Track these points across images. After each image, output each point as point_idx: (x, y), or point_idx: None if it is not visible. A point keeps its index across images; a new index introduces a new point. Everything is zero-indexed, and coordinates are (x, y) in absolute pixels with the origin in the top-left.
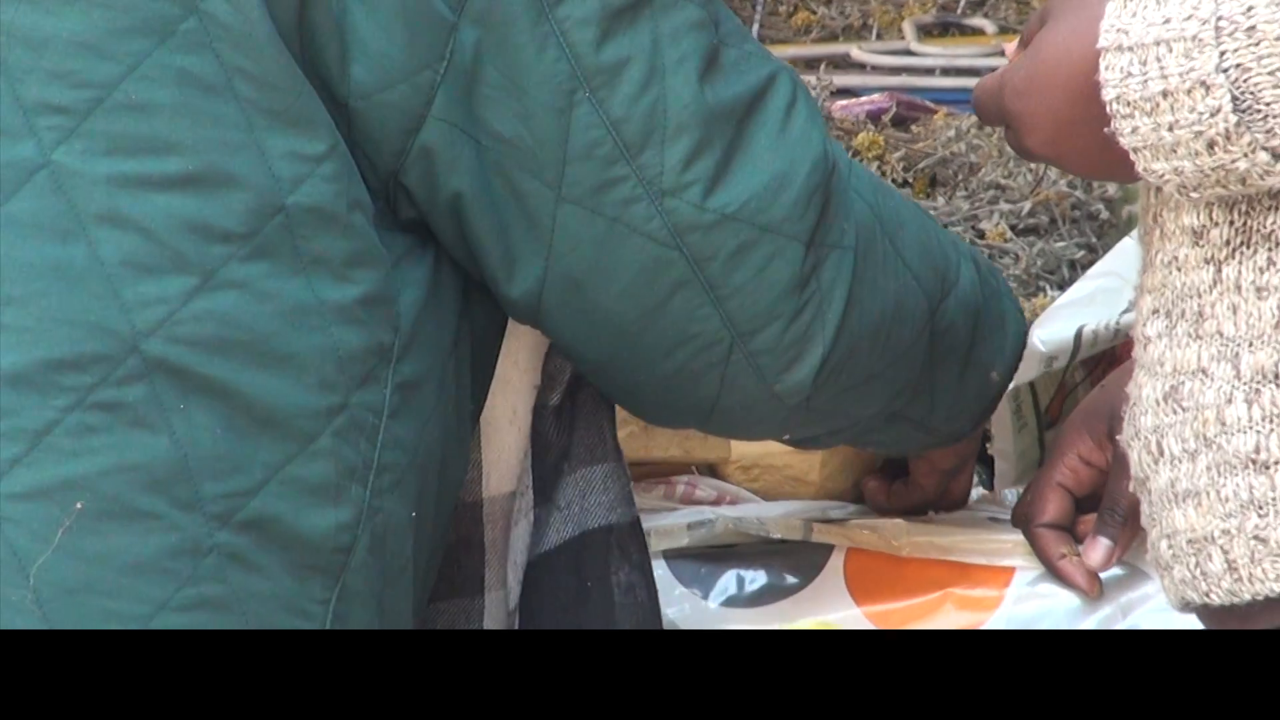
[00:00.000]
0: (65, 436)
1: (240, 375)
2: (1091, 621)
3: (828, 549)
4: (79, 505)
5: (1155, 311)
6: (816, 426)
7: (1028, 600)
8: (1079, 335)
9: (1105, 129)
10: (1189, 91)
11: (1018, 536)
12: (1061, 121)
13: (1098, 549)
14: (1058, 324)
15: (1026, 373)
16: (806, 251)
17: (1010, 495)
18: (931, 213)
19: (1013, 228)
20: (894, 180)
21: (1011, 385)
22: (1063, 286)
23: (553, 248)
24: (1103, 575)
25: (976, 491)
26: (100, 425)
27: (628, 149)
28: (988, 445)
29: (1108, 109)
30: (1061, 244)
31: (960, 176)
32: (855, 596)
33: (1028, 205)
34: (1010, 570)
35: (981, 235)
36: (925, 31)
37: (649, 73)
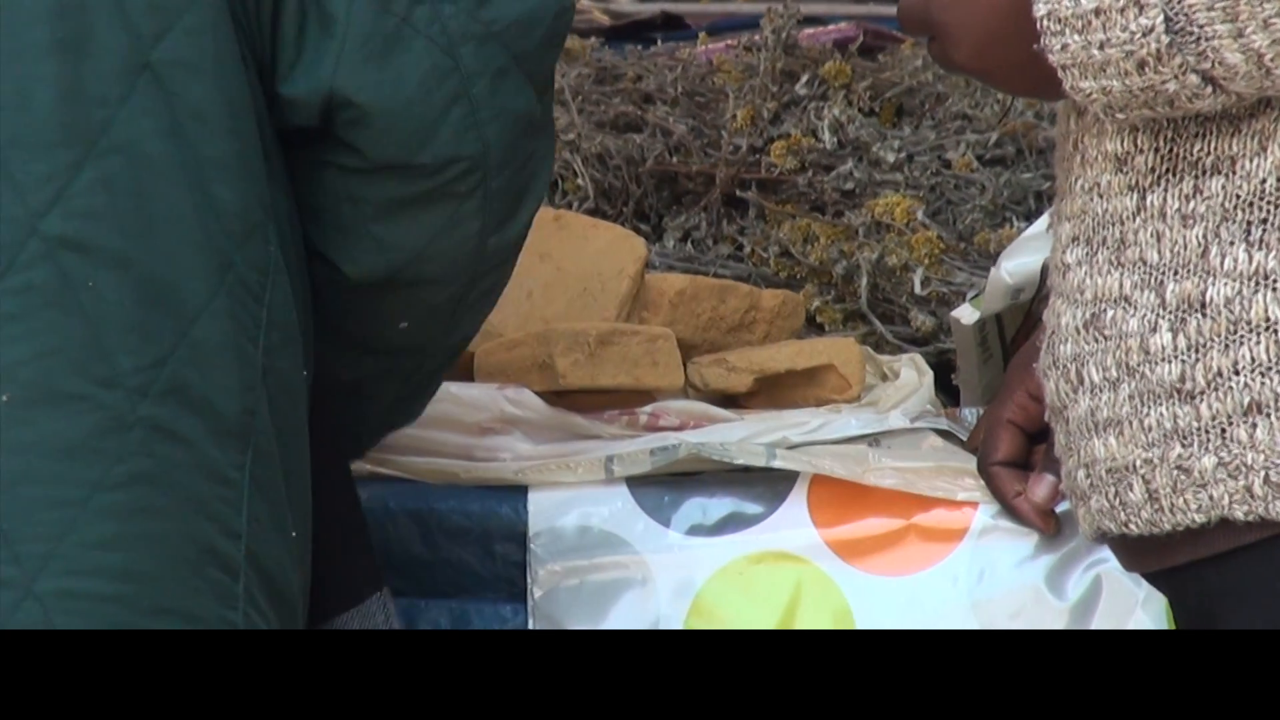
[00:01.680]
0: None
1: (135, 243)
2: (1056, 554)
3: (792, 475)
4: (5, 397)
5: (1075, 239)
6: (468, 324)
7: (991, 533)
8: (1045, 267)
9: (1034, 45)
10: (1122, 10)
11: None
12: (989, 35)
13: (1043, 485)
14: (1024, 256)
15: (993, 304)
16: (539, 99)
17: (969, 415)
18: (897, 142)
19: (979, 158)
20: (860, 110)
21: (978, 316)
22: (1029, 218)
23: (345, 45)
24: (1060, 510)
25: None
26: (15, 312)
27: None
28: (952, 376)
29: (1038, 25)
30: (1028, 175)
31: (927, 106)
32: (818, 524)
33: (994, 135)
34: (973, 508)
35: (948, 165)
36: None
37: None
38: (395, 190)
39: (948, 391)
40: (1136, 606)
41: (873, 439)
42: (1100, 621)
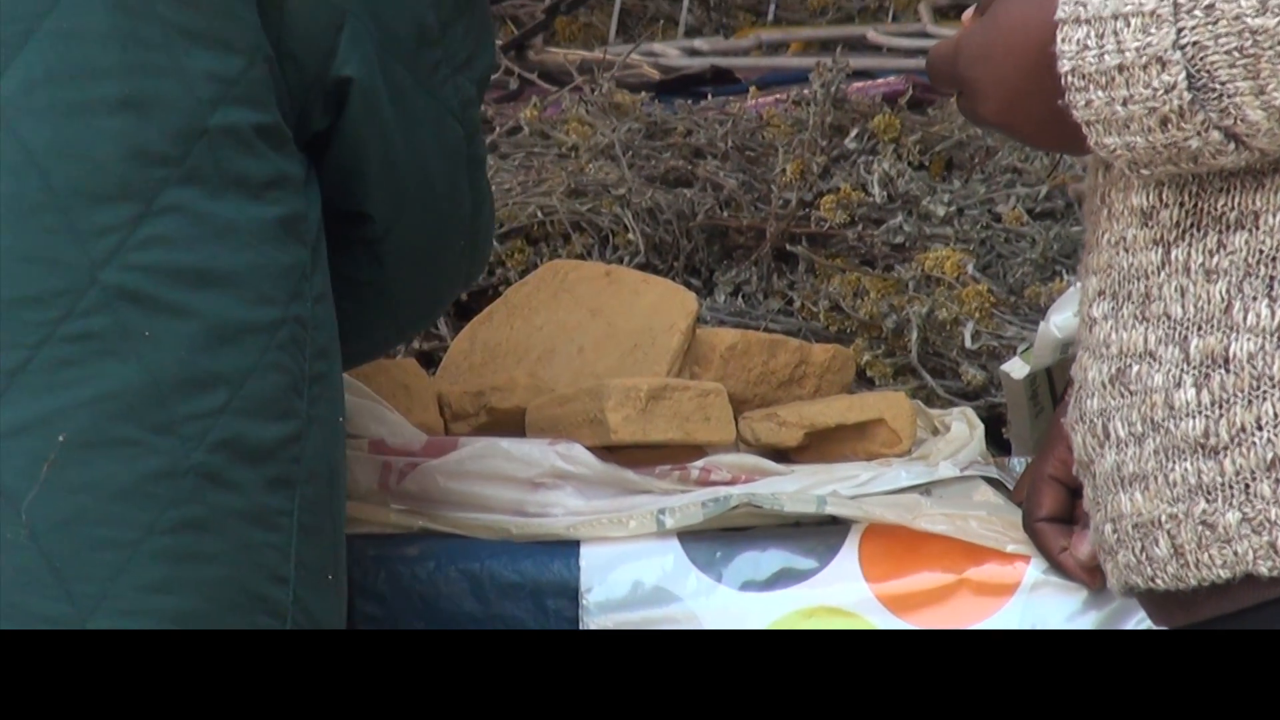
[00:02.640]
0: (39, 372)
1: (193, 296)
2: (1107, 609)
3: (844, 530)
4: (61, 438)
5: (1101, 293)
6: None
7: (1042, 587)
8: None
9: (1059, 101)
10: (1145, 67)
11: None
12: (1015, 91)
13: (1086, 543)
14: (1073, 310)
15: (1042, 358)
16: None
17: (1018, 464)
18: (947, 195)
19: (1029, 211)
20: (910, 163)
21: (1028, 371)
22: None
23: (415, 141)
24: None
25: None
26: (72, 358)
27: (438, 30)
28: (1003, 430)
29: (1062, 81)
30: (1078, 228)
31: (977, 160)
32: (869, 579)
33: (1044, 189)
34: (1025, 560)
35: (998, 219)
36: (941, 14)
37: None
38: (422, 278)
39: (999, 445)
40: None
41: (924, 489)
42: None
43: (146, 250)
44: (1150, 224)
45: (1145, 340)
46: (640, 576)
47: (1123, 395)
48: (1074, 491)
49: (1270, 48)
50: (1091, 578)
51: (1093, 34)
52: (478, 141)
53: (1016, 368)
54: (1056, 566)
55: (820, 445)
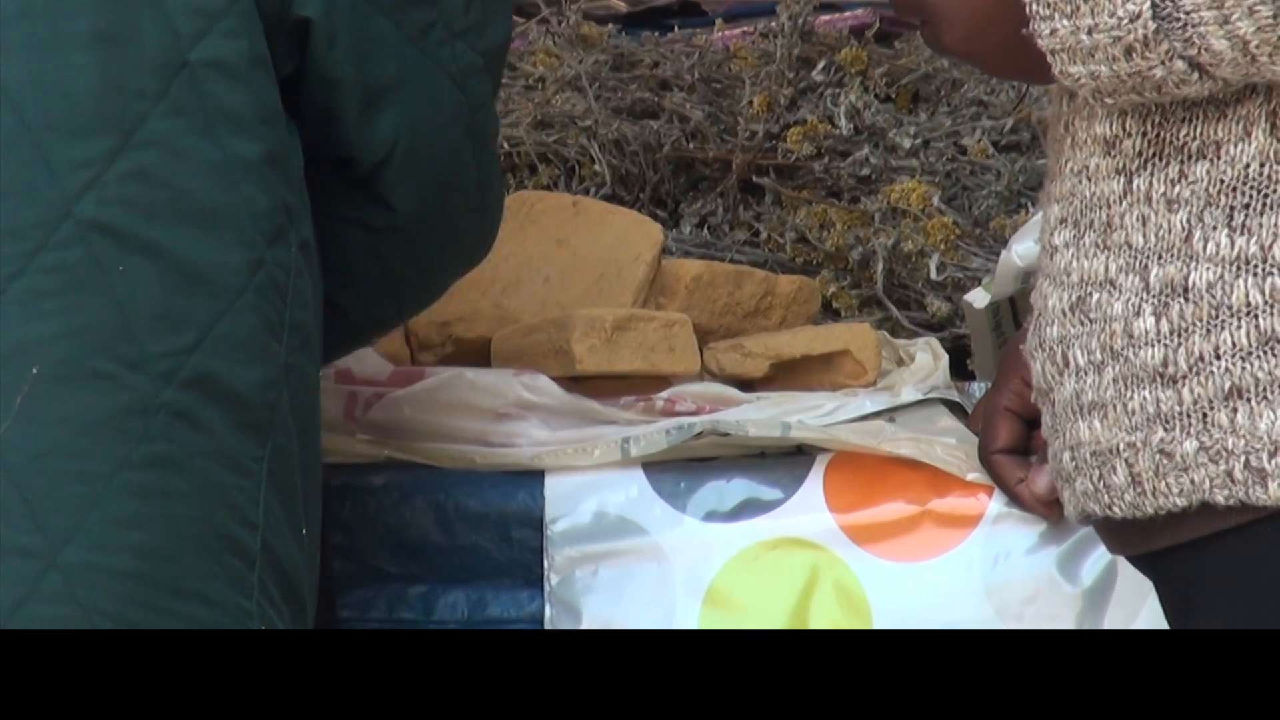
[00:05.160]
0: (13, 304)
1: (168, 233)
2: (1069, 541)
3: (809, 461)
4: (35, 370)
5: (1063, 221)
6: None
7: (1005, 519)
8: None
9: (1023, 29)
10: None
11: None
12: (979, 19)
13: (1042, 476)
14: (1035, 239)
15: (1005, 288)
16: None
17: (977, 389)
18: (913, 128)
19: (995, 144)
20: (876, 95)
21: (989, 300)
22: None
23: (404, 93)
24: None
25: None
26: (47, 289)
27: None
28: (968, 361)
29: (1027, 9)
30: (1043, 161)
31: (943, 92)
32: (834, 509)
33: (1010, 122)
34: (989, 491)
35: (964, 151)
36: None
37: None
38: (422, 243)
39: (963, 376)
40: (1150, 592)
41: (889, 415)
42: (1114, 607)
43: (124, 184)
44: (1113, 153)
45: (1106, 268)
46: (605, 507)
47: (1082, 323)
48: (1030, 424)
49: None
50: (1049, 511)
51: None
52: (485, 115)
53: (979, 298)
54: (1013, 499)
55: (785, 376)
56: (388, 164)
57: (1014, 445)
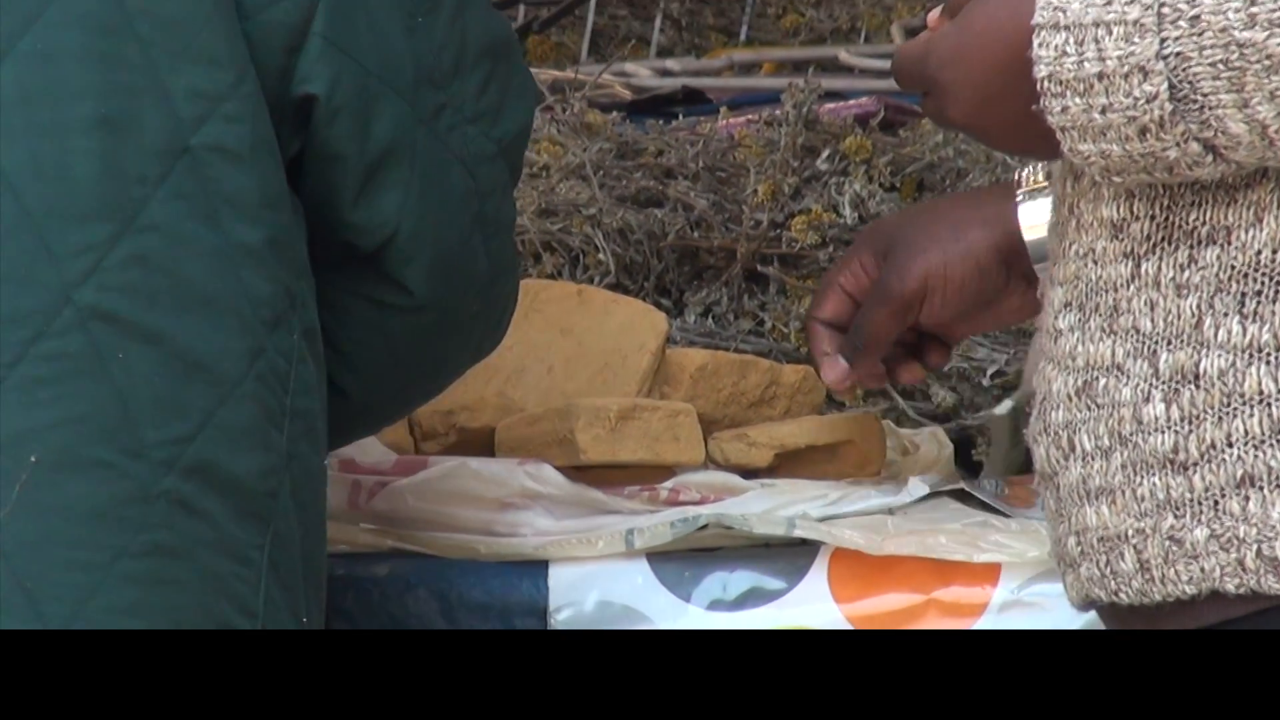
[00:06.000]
0: (13, 392)
1: (168, 320)
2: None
3: (813, 550)
4: (33, 459)
5: (1067, 304)
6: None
7: (1011, 608)
8: None
9: (1033, 106)
10: (1126, 76)
11: (1003, 537)
12: (987, 94)
13: (835, 367)
14: None
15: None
16: (514, 203)
17: (989, 485)
18: None
19: None
20: (881, 185)
21: (1012, 403)
22: None
23: (413, 173)
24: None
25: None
26: (45, 377)
27: (446, 75)
28: (974, 451)
29: (1038, 86)
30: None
31: (948, 182)
32: (838, 599)
33: None
34: (995, 569)
35: None
36: (913, 35)
37: (460, 0)
38: (431, 327)
39: (968, 466)
40: None
41: (891, 509)
42: None
43: (124, 270)
44: (1120, 236)
45: (1113, 353)
46: (609, 596)
47: (1089, 408)
48: (857, 304)
49: (1257, 61)
50: (838, 388)
51: (1072, 40)
52: (495, 203)
53: (1003, 408)
54: (815, 367)
55: (790, 466)
56: (392, 244)
57: (836, 319)
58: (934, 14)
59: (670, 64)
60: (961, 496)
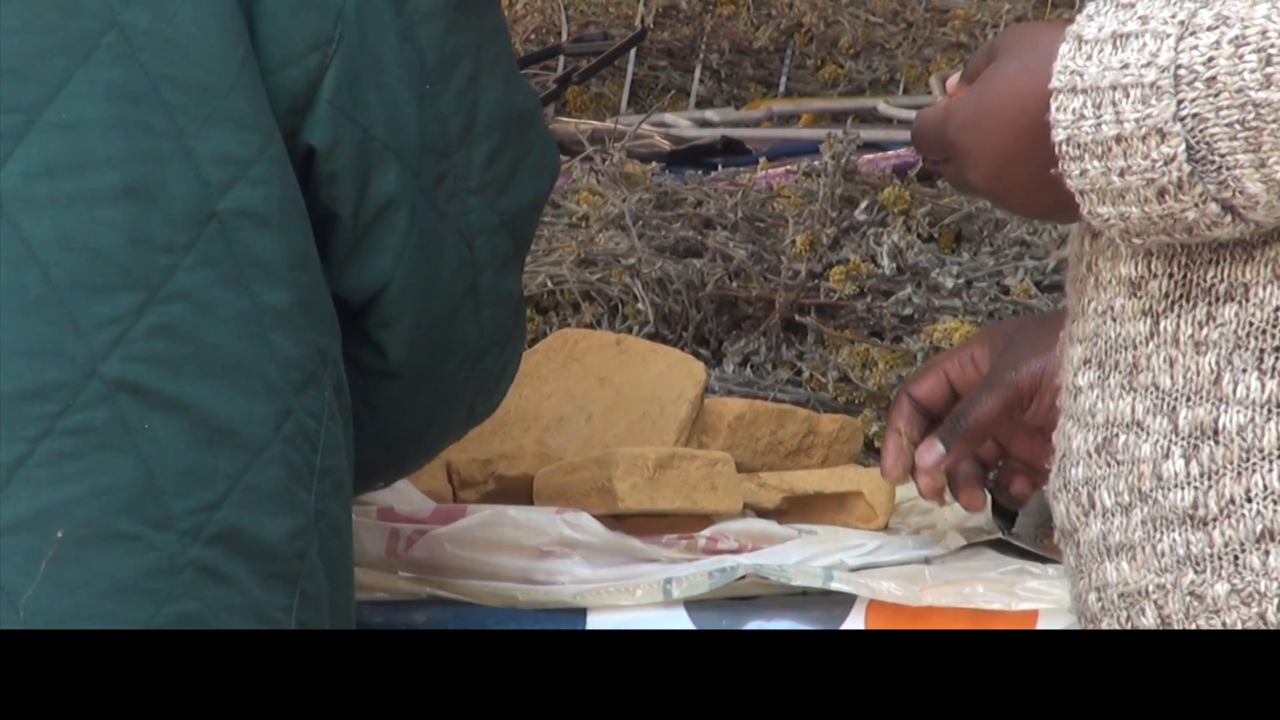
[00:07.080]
0: (39, 467)
1: (193, 388)
2: None
3: (849, 600)
4: (59, 534)
5: (1087, 361)
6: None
7: None
8: None
9: (1051, 169)
10: (1144, 138)
11: (1041, 584)
12: (1005, 158)
13: (930, 451)
14: None
15: None
16: (519, 275)
17: (1025, 528)
18: (956, 268)
19: (1038, 284)
20: (919, 235)
21: None
22: None
23: (407, 239)
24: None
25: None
26: (71, 451)
27: (452, 144)
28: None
29: (1057, 150)
30: None
31: (985, 232)
32: None
33: (1052, 262)
34: (1033, 616)
35: (1006, 291)
36: None
37: (474, 70)
38: (408, 392)
39: (1004, 516)
40: None
41: (929, 559)
42: None
43: (150, 340)
44: (1139, 294)
45: (1133, 410)
46: None
47: (1109, 464)
48: (956, 397)
49: (1273, 120)
50: (891, 471)
51: (1089, 104)
52: (492, 275)
53: None
54: (884, 435)
55: (799, 511)
56: (375, 305)
57: (926, 400)
58: (953, 80)
59: (710, 115)
60: (998, 545)
